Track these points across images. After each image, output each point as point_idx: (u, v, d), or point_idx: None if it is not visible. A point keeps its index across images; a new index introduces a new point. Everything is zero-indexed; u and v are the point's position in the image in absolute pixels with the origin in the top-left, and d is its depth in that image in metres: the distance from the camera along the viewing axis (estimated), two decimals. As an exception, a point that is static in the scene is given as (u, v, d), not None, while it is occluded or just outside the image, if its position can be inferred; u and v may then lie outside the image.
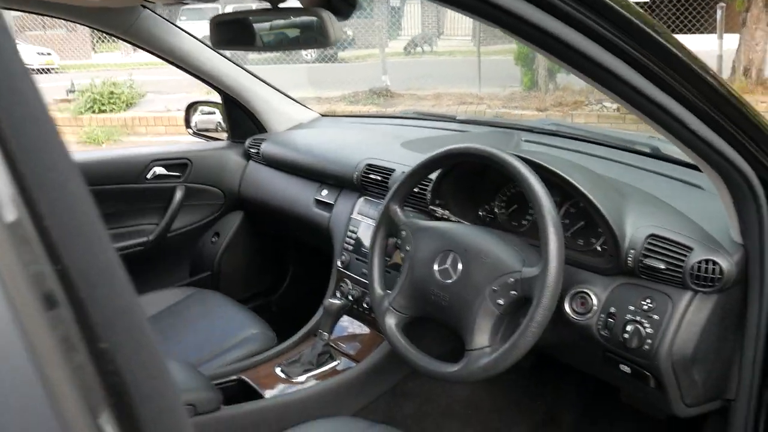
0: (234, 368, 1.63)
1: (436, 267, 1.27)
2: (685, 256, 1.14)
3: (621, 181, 1.38)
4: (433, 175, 1.49)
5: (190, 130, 2.56)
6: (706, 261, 1.12)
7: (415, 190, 1.61)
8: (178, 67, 2.11)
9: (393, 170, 1.72)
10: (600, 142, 1.72)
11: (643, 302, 1.20)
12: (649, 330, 1.18)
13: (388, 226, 1.40)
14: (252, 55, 10.86)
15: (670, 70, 0.84)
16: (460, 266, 1.24)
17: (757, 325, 1.18)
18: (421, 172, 1.35)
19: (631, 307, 1.21)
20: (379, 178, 1.75)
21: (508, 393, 1.97)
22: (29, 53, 11.48)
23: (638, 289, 1.22)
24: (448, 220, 1.49)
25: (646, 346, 1.18)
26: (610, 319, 1.24)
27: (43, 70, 11.56)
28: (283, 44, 1.22)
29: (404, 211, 1.40)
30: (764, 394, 1.23)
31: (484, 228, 1.31)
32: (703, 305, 1.16)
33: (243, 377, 1.61)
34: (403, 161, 1.73)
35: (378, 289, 1.39)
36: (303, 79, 10.03)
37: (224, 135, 2.46)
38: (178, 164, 2.22)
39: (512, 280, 1.16)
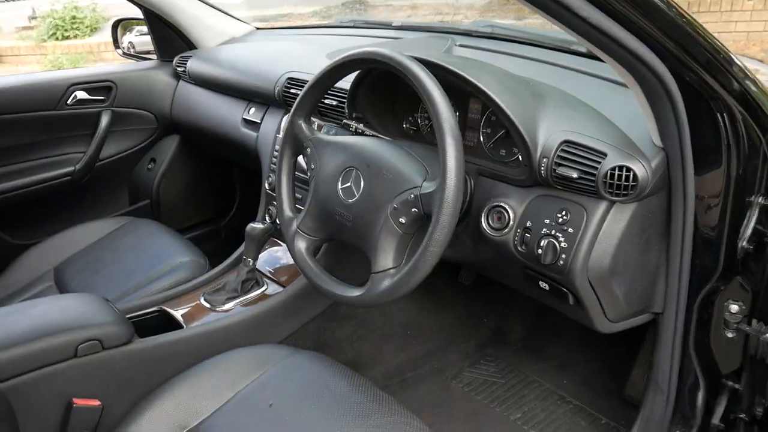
0: (155, 299, 1.56)
1: (339, 185, 1.18)
2: (599, 162, 1.04)
3: (542, 83, 1.27)
4: (347, 85, 1.37)
5: (119, 51, 2.40)
6: (620, 168, 1.02)
7: (333, 103, 1.50)
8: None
9: None
10: (537, 43, 1.58)
11: (558, 215, 1.11)
12: (563, 244, 1.10)
13: (293, 143, 1.29)
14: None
15: None
16: (362, 183, 1.14)
17: (682, 233, 1.10)
18: (322, 83, 1.23)
19: (547, 220, 1.13)
20: (298, 92, 1.63)
21: (451, 312, 1.93)
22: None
23: (554, 200, 1.13)
24: (362, 134, 1.38)
25: (561, 261, 1.10)
26: (526, 234, 1.15)
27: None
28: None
29: (310, 126, 1.29)
30: (692, 306, 1.17)
31: (390, 141, 1.20)
32: (620, 215, 1.08)
33: (164, 308, 1.54)
34: (324, 73, 1.60)
35: (287, 212, 1.30)
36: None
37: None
38: (101, 87, 2.08)
39: (412, 196, 1.06)
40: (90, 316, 1.32)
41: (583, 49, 1.49)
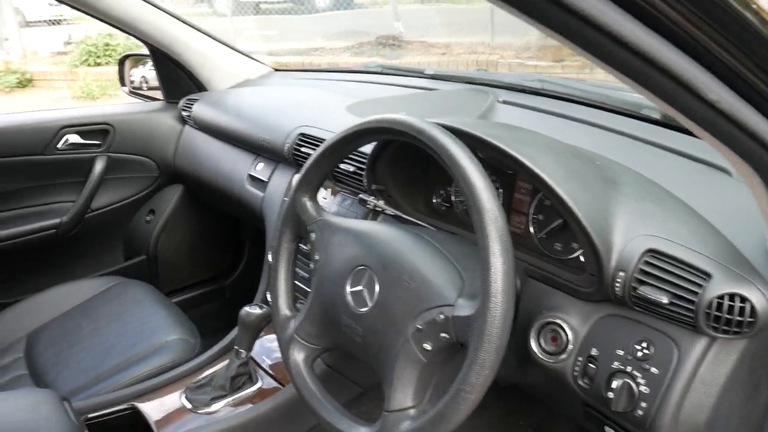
0: (128, 393, 1.30)
1: (348, 288, 0.91)
2: (700, 286, 0.75)
3: (612, 162, 0.99)
4: (369, 149, 1.11)
5: (125, 88, 2.19)
6: (731, 296, 0.74)
7: (350, 168, 1.25)
8: (90, 15, 1.73)
9: None
10: (595, 104, 1.31)
11: (637, 346, 0.83)
12: (644, 389, 0.81)
13: (295, 225, 1.03)
14: (263, 6, 10.37)
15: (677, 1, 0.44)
16: (377, 290, 0.87)
17: None
18: (332, 154, 0.97)
19: (620, 352, 0.84)
20: (311, 151, 1.37)
21: (486, 411, 1.63)
22: (40, 4, 11.07)
23: (630, 325, 0.84)
24: (382, 212, 1.12)
25: (640, 411, 0.82)
26: (590, 365, 0.87)
27: (53, 21, 11.15)
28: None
29: (317, 204, 1.03)
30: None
31: (415, 233, 0.93)
32: (724, 356, 0.79)
33: (137, 405, 1.28)
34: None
35: (283, 310, 1.04)
36: (314, 28, 9.50)
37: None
38: (97, 131, 1.86)
39: (442, 317, 0.79)
40: (35, 426, 1.07)
41: (657, 116, 1.22)
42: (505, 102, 1.42)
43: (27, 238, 1.81)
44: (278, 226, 1.05)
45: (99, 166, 1.86)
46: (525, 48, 7.02)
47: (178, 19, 1.86)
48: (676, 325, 0.80)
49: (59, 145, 1.80)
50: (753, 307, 0.73)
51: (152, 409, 1.27)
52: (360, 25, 9.15)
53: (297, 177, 1.03)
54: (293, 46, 8.16)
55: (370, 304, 0.87)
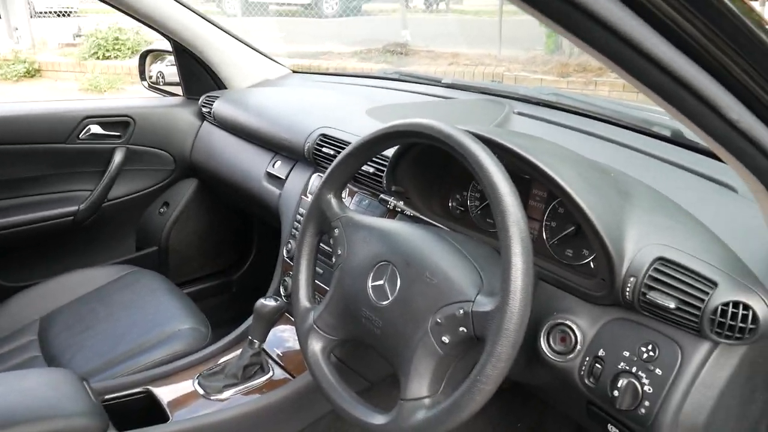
0: (142, 378, 1.34)
1: (370, 282, 0.96)
2: (706, 293, 0.80)
3: (627, 176, 1.04)
4: (388, 152, 1.16)
5: (144, 83, 2.24)
6: (735, 304, 0.79)
7: (370, 170, 1.29)
8: (116, 8, 1.78)
9: (349, 143, 1.39)
10: (608, 119, 1.36)
11: (642, 348, 0.88)
12: (648, 388, 0.86)
13: (319, 221, 1.08)
14: (272, 7, 10.44)
15: (693, 16, 0.49)
16: (398, 284, 0.92)
17: None
18: (360, 153, 1.02)
19: (626, 353, 0.89)
20: (332, 152, 1.42)
21: (481, 413, 1.67)
22: (49, -4, 11.11)
23: (637, 329, 0.89)
24: (402, 213, 1.17)
25: (643, 410, 0.86)
26: (597, 365, 0.92)
27: (62, 12, 11.19)
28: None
29: (341, 202, 1.08)
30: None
31: (437, 232, 0.98)
32: (725, 360, 0.84)
33: (151, 389, 1.32)
34: (362, 133, 1.39)
35: (303, 301, 1.08)
36: (322, 33, 9.56)
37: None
38: (118, 122, 1.91)
39: (461, 312, 0.84)
40: (56, 402, 1.10)
41: (667, 133, 1.27)
42: (520, 113, 1.47)
43: (44, 224, 1.84)
44: (303, 221, 1.10)
45: (118, 157, 1.90)
46: (531, 62, 7.10)
47: (202, 17, 1.91)
48: (682, 329, 0.84)
49: (81, 135, 1.84)
50: (755, 315, 0.78)
51: (166, 394, 1.31)
52: (367, 32, 9.23)
53: (323, 175, 1.08)
54: (302, 50, 8.22)
55: (391, 298, 0.92)
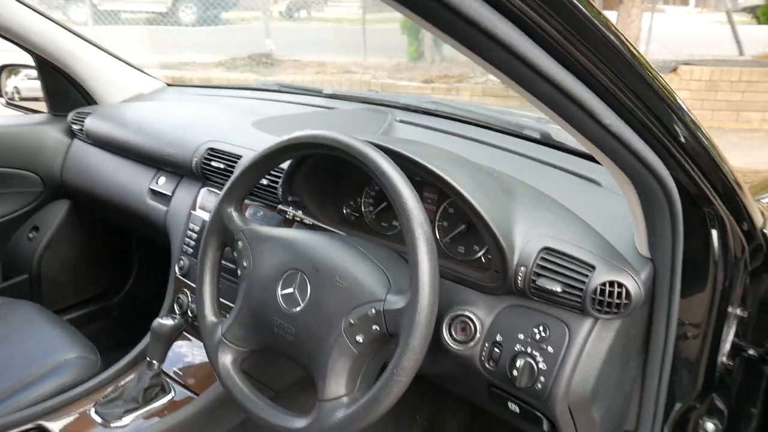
0: (32, 413, 1.26)
1: (279, 290, 0.98)
2: (586, 276, 0.91)
3: (508, 176, 1.14)
4: (285, 164, 1.19)
5: (1, 99, 2.09)
6: (611, 283, 0.90)
7: (264, 182, 1.31)
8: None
9: (240, 156, 1.40)
10: (484, 124, 1.48)
11: (535, 330, 0.97)
12: (542, 365, 0.96)
13: (221, 234, 1.08)
14: (124, 15, 9.94)
15: (579, 42, 0.58)
16: (309, 290, 0.95)
17: (663, 350, 0.99)
18: (260, 166, 1.05)
19: (521, 336, 0.98)
20: (222, 165, 1.42)
21: (386, 412, 1.74)
22: None
23: (529, 313, 0.99)
24: (301, 222, 1.20)
25: (539, 385, 0.96)
26: (495, 349, 1.00)
27: None
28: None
29: (242, 215, 1.09)
30: (666, 424, 1.06)
31: (341, 239, 1.03)
32: (604, 333, 0.95)
33: (43, 424, 1.25)
34: (252, 145, 1.41)
35: (209, 316, 1.08)
36: (182, 42, 9.24)
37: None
38: None
39: (373, 311, 0.89)
40: None
41: (536, 135, 1.40)
42: (402, 121, 1.55)
43: None
44: (204, 236, 1.10)
45: None
46: (395, 69, 7.34)
47: (67, 29, 1.82)
48: (567, 310, 0.95)
49: (-68, 159, 1.69)
50: (628, 291, 0.90)
51: (61, 427, 1.25)
52: (229, 42, 9.06)
53: (214, 189, 1.08)
54: (162, 60, 7.91)
55: (302, 304, 0.95)
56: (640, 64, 0.65)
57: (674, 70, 6.49)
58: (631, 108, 0.66)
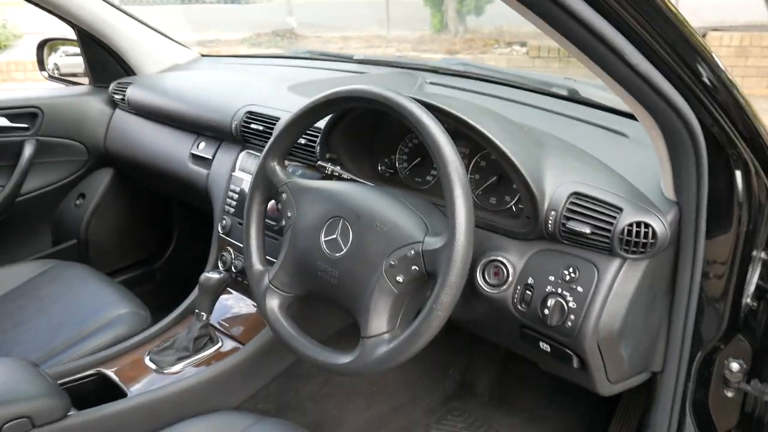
0: (92, 360, 1.36)
1: (322, 237, 1.05)
2: (614, 218, 0.96)
3: (538, 129, 1.19)
4: (322, 124, 1.24)
5: (45, 73, 2.18)
6: (638, 224, 0.95)
7: (302, 141, 1.37)
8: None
9: (278, 118, 1.46)
10: (512, 83, 1.52)
11: (565, 271, 1.03)
12: (572, 304, 1.01)
13: (265, 188, 1.15)
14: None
15: None
16: (351, 236, 1.02)
17: (689, 290, 1.04)
18: (301, 121, 1.11)
19: (552, 278, 1.04)
20: (260, 128, 1.49)
21: (418, 364, 1.81)
22: None
23: (559, 256, 1.04)
24: (339, 177, 1.26)
25: (569, 323, 1.01)
26: (527, 292, 1.06)
27: None
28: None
29: (285, 169, 1.15)
30: (692, 364, 1.10)
31: (380, 189, 1.09)
32: (632, 273, 1.00)
33: (103, 370, 1.34)
34: (290, 108, 1.46)
35: (256, 265, 1.15)
36: (206, 20, 9.31)
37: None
38: (25, 114, 1.86)
39: (413, 252, 0.95)
40: (15, 387, 1.12)
41: (564, 92, 1.44)
42: (432, 83, 1.59)
43: None
44: (249, 190, 1.16)
45: (28, 150, 1.86)
46: (419, 41, 7.33)
47: (107, 2, 1.89)
48: (596, 251, 1.00)
49: (-15, 129, 1.79)
50: (654, 232, 0.94)
51: (119, 373, 1.33)
52: (251, 19, 9.10)
53: (253, 151, 1.14)
54: (185, 38, 7.99)
55: (344, 249, 1.02)
56: (665, 5, 0.69)
57: (703, 36, 6.38)
58: (657, 49, 0.70)
